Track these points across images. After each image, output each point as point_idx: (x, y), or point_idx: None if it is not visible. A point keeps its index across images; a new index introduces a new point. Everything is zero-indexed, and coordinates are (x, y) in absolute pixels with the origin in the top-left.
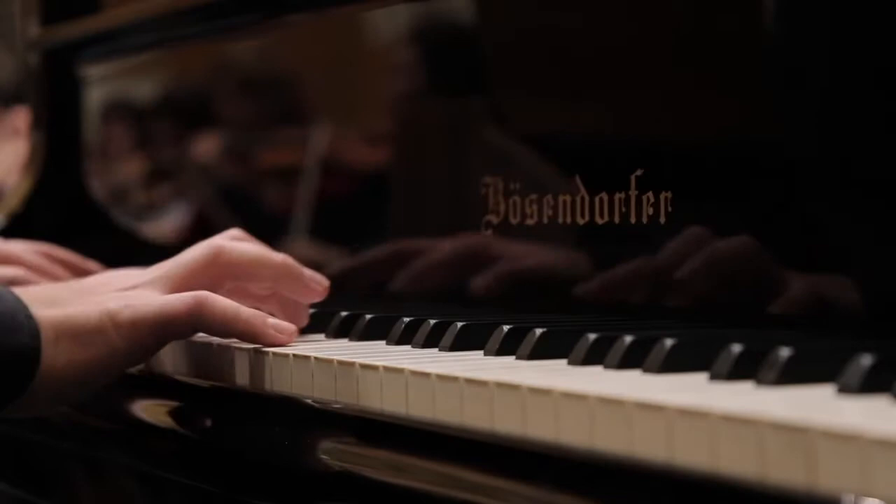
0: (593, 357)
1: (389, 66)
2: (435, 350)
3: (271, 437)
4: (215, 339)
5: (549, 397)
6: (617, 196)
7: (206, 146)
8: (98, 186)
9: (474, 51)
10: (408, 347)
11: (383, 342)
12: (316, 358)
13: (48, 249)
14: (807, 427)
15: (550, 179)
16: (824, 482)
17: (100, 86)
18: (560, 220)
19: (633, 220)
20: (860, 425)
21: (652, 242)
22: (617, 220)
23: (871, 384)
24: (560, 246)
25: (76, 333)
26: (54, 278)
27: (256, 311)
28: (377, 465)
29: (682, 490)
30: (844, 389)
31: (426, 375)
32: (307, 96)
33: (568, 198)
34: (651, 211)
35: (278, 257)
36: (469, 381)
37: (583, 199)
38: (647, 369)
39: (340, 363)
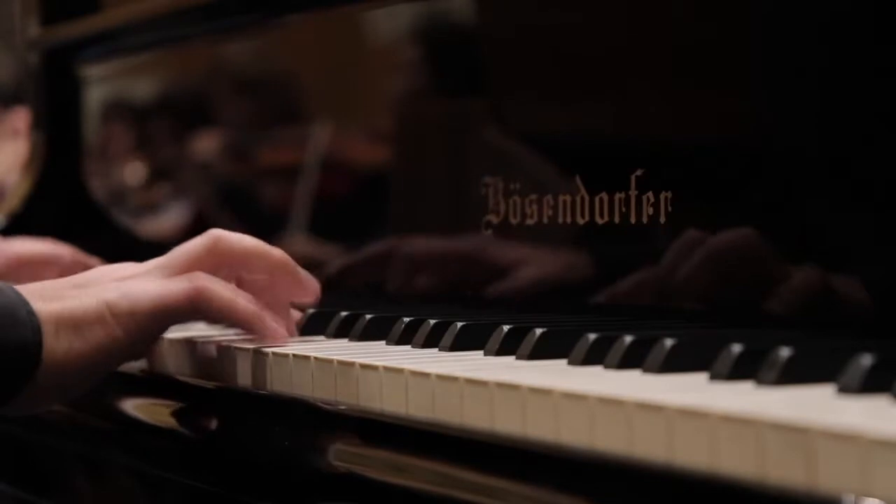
0: (593, 357)
1: (389, 65)
2: (435, 350)
3: (271, 437)
4: (216, 339)
5: (549, 397)
6: (617, 196)
7: (206, 146)
8: (98, 186)
9: (474, 51)
10: (408, 347)
11: (383, 342)
12: (316, 358)
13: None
14: (807, 427)
15: (550, 179)
16: (824, 482)
17: (100, 86)
18: (560, 220)
19: (633, 220)
20: (860, 425)
21: (652, 242)
22: (617, 220)
23: (871, 384)
24: (560, 246)
25: (76, 325)
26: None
27: (252, 298)
28: (377, 465)
29: (682, 490)
30: (844, 389)
31: (426, 375)
32: (307, 96)
33: (568, 198)
34: (651, 211)
35: (276, 251)
36: (469, 381)
37: (583, 199)
38: (647, 369)
39: (340, 363)
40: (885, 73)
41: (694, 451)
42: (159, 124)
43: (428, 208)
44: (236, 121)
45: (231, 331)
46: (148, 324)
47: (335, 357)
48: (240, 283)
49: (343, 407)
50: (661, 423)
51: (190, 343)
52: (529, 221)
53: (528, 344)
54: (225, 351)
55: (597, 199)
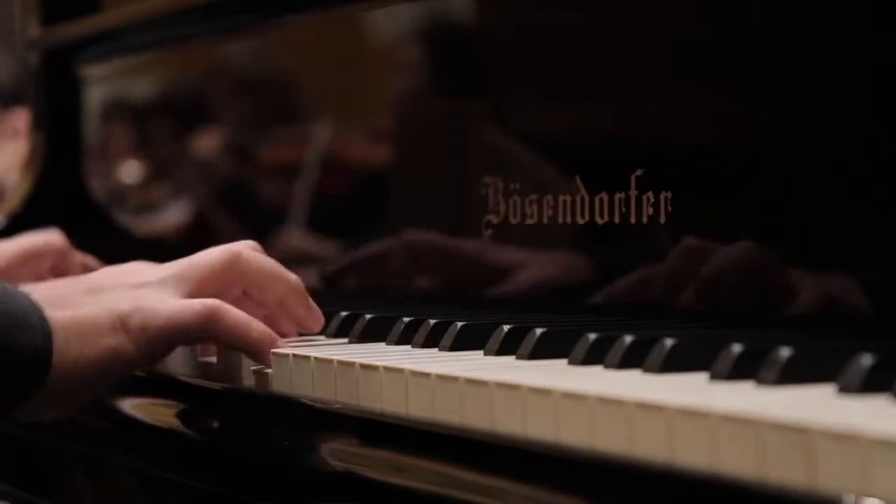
0: (593, 357)
1: (389, 65)
2: (435, 350)
3: (271, 437)
4: None
5: (549, 397)
6: (617, 196)
7: (205, 146)
8: (98, 186)
9: (474, 51)
10: (408, 347)
11: (383, 342)
12: (316, 358)
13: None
14: (807, 427)
15: (550, 179)
16: (824, 482)
17: (99, 86)
18: (560, 220)
19: (633, 220)
20: (860, 425)
21: (652, 242)
22: (617, 220)
23: (871, 384)
24: (560, 246)
25: (86, 335)
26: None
27: (267, 330)
28: (377, 465)
29: (682, 490)
30: (844, 389)
31: (426, 375)
32: (306, 97)
33: (568, 198)
34: (651, 211)
35: (292, 276)
36: (469, 381)
37: (583, 199)
38: (648, 369)
39: (340, 363)
40: (885, 73)
41: (694, 451)
42: (159, 124)
43: (428, 208)
44: (236, 121)
45: None
46: (158, 341)
47: (335, 357)
48: (247, 303)
49: (343, 407)
50: (661, 423)
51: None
52: (529, 221)
53: (528, 344)
54: (225, 351)
55: (597, 199)
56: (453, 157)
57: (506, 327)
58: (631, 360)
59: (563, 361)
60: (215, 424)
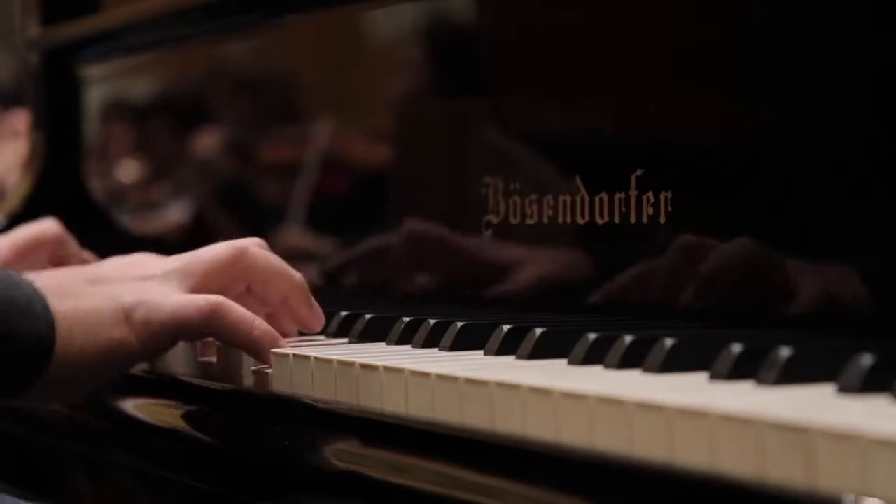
0: (593, 357)
1: (390, 65)
2: (435, 350)
3: (271, 437)
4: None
5: (549, 397)
6: (617, 196)
7: (205, 146)
8: (97, 186)
9: (474, 51)
10: (408, 347)
11: (383, 342)
12: (316, 358)
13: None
14: (807, 427)
15: (550, 179)
16: (824, 482)
17: (99, 86)
18: (560, 220)
19: (633, 220)
20: (860, 425)
21: (652, 242)
22: (617, 220)
23: (871, 384)
24: (560, 246)
25: (89, 327)
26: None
27: (269, 328)
28: (377, 465)
29: (682, 490)
30: (844, 389)
31: (426, 375)
32: (307, 97)
33: (568, 198)
34: (651, 211)
35: (297, 275)
36: (469, 381)
37: (583, 199)
38: (647, 369)
39: (340, 363)
40: (885, 73)
41: (694, 451)
42: (159, 124)
43: (428, 208)
44: (236, 121)
45: None
46: (161, 335)
47: (335, 357)
48: (249, 299)
49: (343, 407)
50: (661, 422)
51: (191, 343)
52: (529, 221)
53: (528, 344)
54: (225, 351)
55: (597, 199)
56: (453, 157)
57: (506, 327)
58: (631, 360)
59: (563, 361)
60: (215, 424)
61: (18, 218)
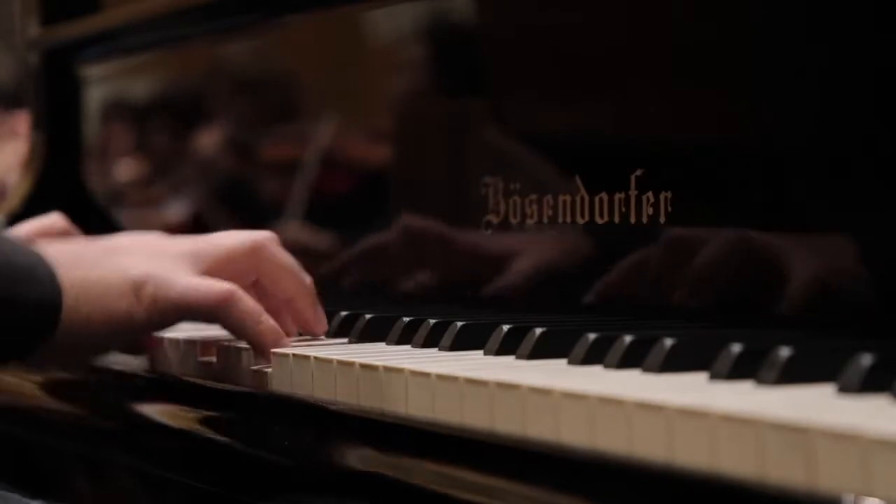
0: (593, 357)
1: (389, 65)
2: (435, 350)
3: (271, 436)
4: (218, 339)
5: (549, 397)
6: (617, 196)
7: (205, 147)
8: (98, 186)
9: (474, 51)
10: (408, 347)
11: (383, 342)
12: (316, 357)
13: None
14: (807, 427)
15: (550, 179)
16: (824, 482)
17: (99, 86)
18: (560, 220)
19: (633, 220)
20: (860, 425)
21: (652, 242)
22: (617, 220)
23: (871, 384)
24: (559, 246)
25: (97, 297)
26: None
27: (275, 325)
28: (377, 464)
29: (682, 490)
30: (844, 389)
31: (426, 375)
32: (307, 97)
33: (568, 198)
34: (651, 211)
35: (307, 276)
36: (469, 381)
37: (583, 199)
38: (647, 369)
39: (340, 363)
40: (886, 73)
41: (694, 451)
42: (159, 124)
43: (428, 208)
44: (236, 121)
45: None
46: (169, 312)
47: (335, 357)
48: (257, 293)
49: (343, 407)
50: (661, 422)
51: (191, 343)
52: (529, 221)
53: (528, 344)
54: (226, 351)
55: (597, 199)
56: (453, 157)
57: (505, 327)
58: (631, 359)
59: (563, 361)
60: (216, 424)
61: (18, 218)
